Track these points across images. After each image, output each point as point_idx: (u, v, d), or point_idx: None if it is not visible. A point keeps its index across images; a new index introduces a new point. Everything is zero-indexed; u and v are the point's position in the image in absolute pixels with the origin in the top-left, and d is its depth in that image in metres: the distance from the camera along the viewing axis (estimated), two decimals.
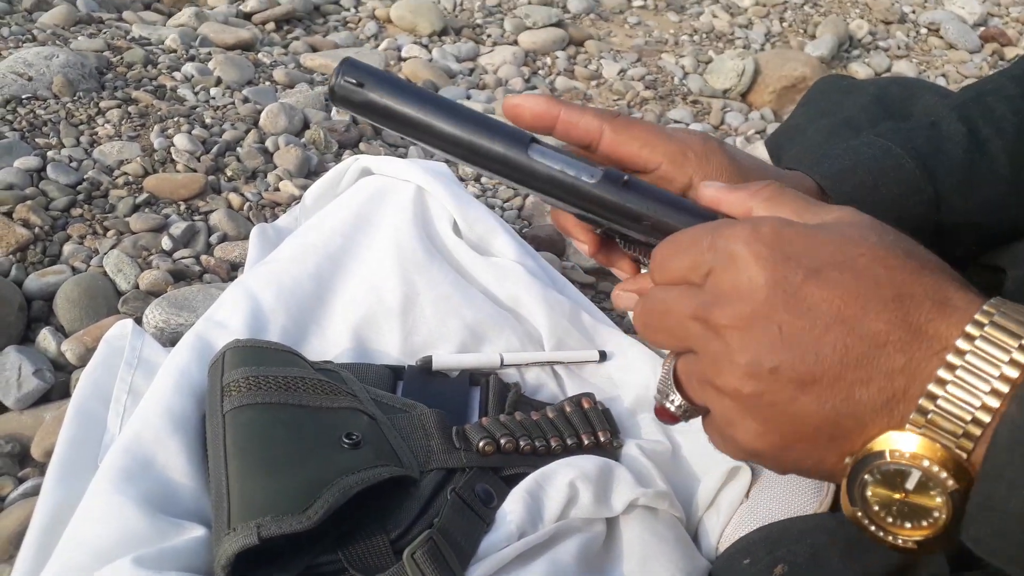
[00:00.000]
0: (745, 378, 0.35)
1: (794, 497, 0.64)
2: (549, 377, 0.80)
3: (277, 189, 1.15)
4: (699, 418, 0.42)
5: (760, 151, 1.69)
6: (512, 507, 0.61)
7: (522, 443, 0.67)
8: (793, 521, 0.61)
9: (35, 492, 0.69)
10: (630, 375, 0.80)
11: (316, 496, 0.56)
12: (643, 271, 0.55)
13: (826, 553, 0.54)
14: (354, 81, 0.44)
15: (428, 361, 0.76)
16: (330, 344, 0.78)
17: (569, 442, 0.69)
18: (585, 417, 0.71)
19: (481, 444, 0.66)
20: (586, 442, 0.69)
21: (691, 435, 0.73)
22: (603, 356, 0.81)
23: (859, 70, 2.20)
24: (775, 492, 0.65)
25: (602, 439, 0.70)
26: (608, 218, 0.44)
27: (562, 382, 0.80)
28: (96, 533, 0.57)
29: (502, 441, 0.67)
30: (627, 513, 0.63)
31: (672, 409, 0.41)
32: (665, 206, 0.43)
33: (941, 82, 2.18)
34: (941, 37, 2.42)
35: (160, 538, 0.57)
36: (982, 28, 2.47)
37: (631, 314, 0.90)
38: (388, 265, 0.82)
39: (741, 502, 0.66)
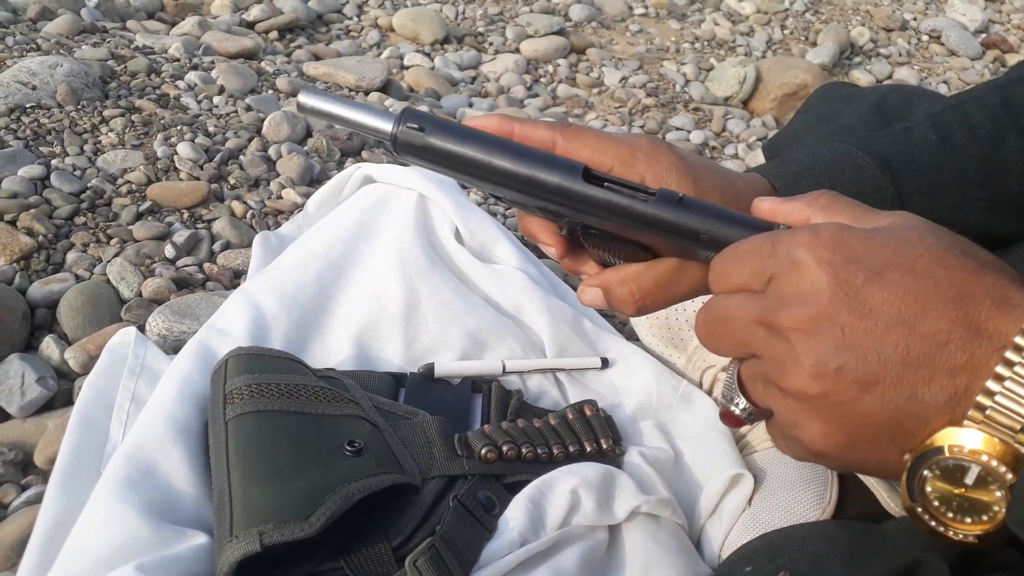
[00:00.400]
0: (811, 379, 0.36)
1: (796, 505, 0.64)
2: (551, 384, 0.80)
3: (280, 197, 1.15)
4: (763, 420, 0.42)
5: (760, 158, 1.70)
6: (514, 514, 0.61)
7: (524, 450, 0.67)
8: (795, 528, 0.61)
9: (38, 500, 0.69)
10: (632, 382, 0.80)
11: (318, 503, 0.56)
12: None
13: (828, 560, 0.54)
14: (415, 126, 0.45)
15: (430, 368, 0.76)
16: (332, 351, 0.78)
17: (571, 449, 0.69)
18: (587, 424, 0.71)
19: (483, 451, 0.66)
20: (588, 449, 0.69)
21: (693, 442, 0.73)
22: (605, 363, 0.81)
23: (861, 77, 2.20)
24: (777, 500, 0.65)
25: (604, 446, 0.70)
26: (663, 236, 0.46)
27: (564, 389, 0.80)
28: (99, 541, 0.57)
29: (504, 448, 0.67)
30: (629, 520, 0.63)
31: (737, 412, 0.42)
32: (722, 219, 0.44)
33: (943, 89, 2.19)
34: (942, 44, 2.43)
35: (163, 545, 0.57)
36: (983, 35, 2.47)
37: (633, 320, 0.90)
38: (390, 272, 0.82)
39: (743, 510, 0.66)
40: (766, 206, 0.44)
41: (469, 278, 0.87)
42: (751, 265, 0.39)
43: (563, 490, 0.62)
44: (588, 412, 0.72)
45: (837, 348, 0.35)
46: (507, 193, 0.47)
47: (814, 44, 2.32)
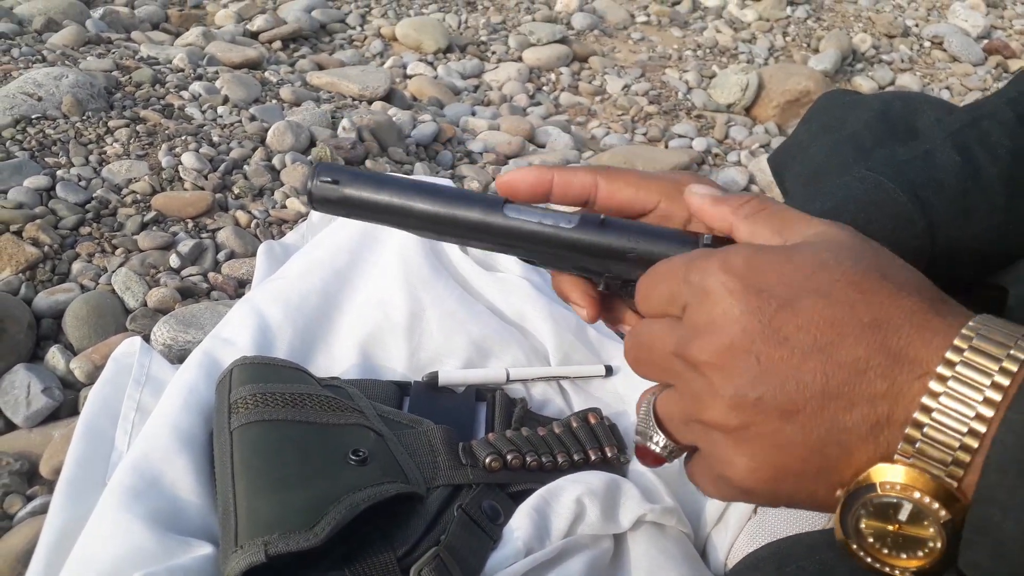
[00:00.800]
0: (730, 410, 0.35)
1: (803, 513, 0.64)
2: (555, 392, 0.80)
3: (284, 206, 1.16)
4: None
5: (764, 166, 1.70)
6: (519, 524, 0.61)
7: (529, 459, 0.67)
8: (802, 537, 0.61)
9: (43, 510, 0.69)
10: (637, 390, 0.79)
11: (323, 513, 0.56)
12: None
13: (837, 569, 0.54)
14: (329, 179, 0.45)
15: (434, 377, 0.76)
16: (337, 360, 0.78)
17: (576, 458, 0.68)
18: (592, 432, 0.71)
19: (488, 460, 0.66)
20: (593, 458, 0.69)
21: None
22: (609, 371, 0.81)
23: (863, 84, 2.20)
24: (783, 509, 0.64)
25: (609, 455, 0.69)
26: (594, 261, 0.45)
27: (568, 397, 0.80)
28: (104, 551, 0.57)
29: (509, 457, 0.67)
30: (634, 529, 0.63)
31: (656, 450, 0.40)
32: (646, 236, 0.44)
33: (945, 95, 2.19)
34: (945, 50, 2.43)
35: (168, 556, 0.57)
36: (986, 41, 2.48)
37: None
38: (394, 281, 0.82)
39: (749, 518, 0.66)
40: (695, 202, 0.43)
41: (473, 286, 0.87)
42: (668, 289, 0.38)
43: (568, 499, 0.62)
44: (592, 420, 0.72)
45: (754, 379, 0.34)
46: (433, 235, 0.47)
47: (816, 51, 2.32)
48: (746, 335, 0.35)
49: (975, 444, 0.31)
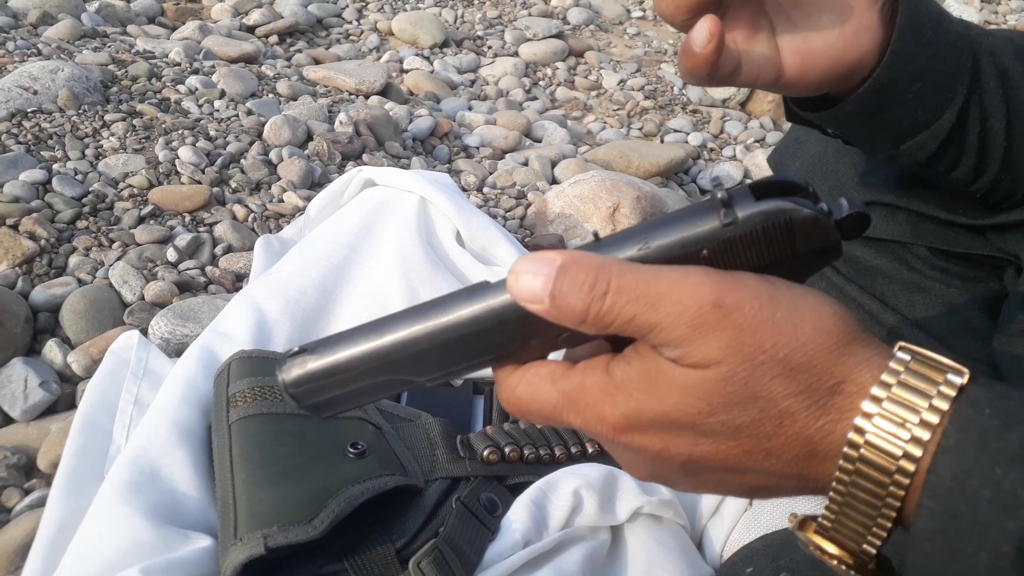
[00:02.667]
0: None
1: (797, 505, 0.64)
2: None
3: (281, 200, 1.16)
4: None
5: (759, 159, 1.70)
6: (517, 516, 0.61)
7: (526, 452, 0.68)
8: None
9: (41, 503, 0.69)
10: None
11: (322, 506, 0.56)
12: None
13: None
14: (296, 350, 0.39)
15: None
16: None
17: (573, 450, 0.69)
18: None
19: (486, 453, 0.66)
20: (590, 450, 0.69)
21: None
22: None
23: None
24: (778, 500, 0.65)
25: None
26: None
27: None
28: (103, 544, 0.57)
29: (506, 450, 0.67)
30: (631, 521, 0.64)
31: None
32: (655, 228, 0.37)
33: None
34: None
35: (167, 549, 0.57)
36: None
37: None
38: (392, 275, 0.82)
39: (745, 510, 0.66)
40: (516, 292, 0.35)
41: (470, 280, 0.87)
42: (544, 418, 0.39)
43: (565, 491, 0.62)
44: None
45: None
46: (445, 368, 0.38)
47: None
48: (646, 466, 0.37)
49: (912, 467, 0.31)
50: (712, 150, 1.79)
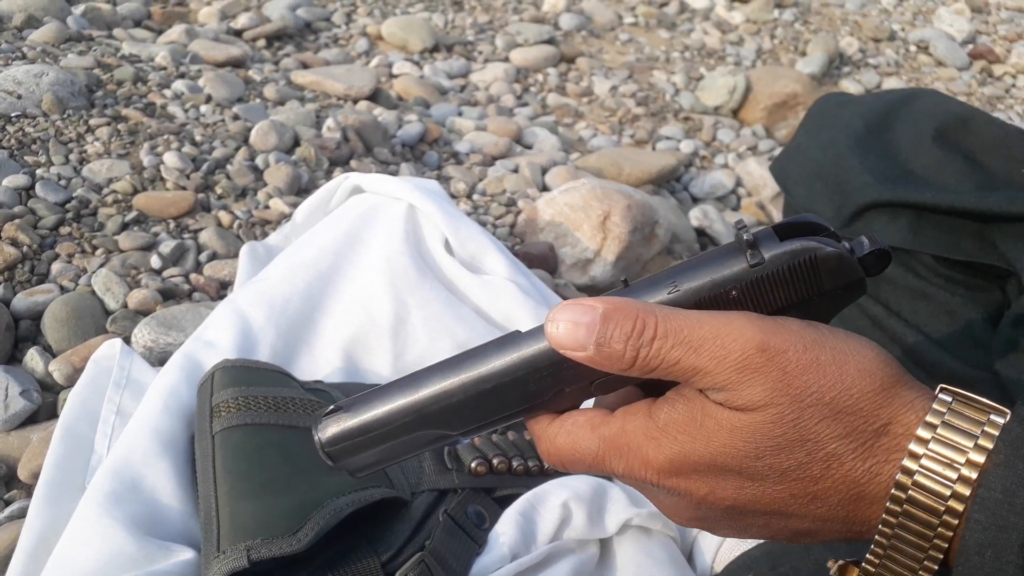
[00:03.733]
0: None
1: None
2: None
3: (267, 207, 1.15)
4: None
5: (752, 167, 1.70)
6: (505, 528, 0.60)
7: (515, 463, 0.67)
8: None
9: (21, 514, 0.68)
10: None
11: (307, 518, 0.55)
12: None
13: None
14: (331, 408, 0.40)
15: None
16: (320, 363, 0.77)
17: (565, 471, 0.68)
18: None
19: (473, 465, 0.66)
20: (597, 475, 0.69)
21: None
22: None
23: (850, 87, 2.22)
24: None
25: None
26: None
27: None
28: (83, 556, 0.56)
29: (495, 461, 0.66)
30: (621, 534, 0.63)
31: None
32: (684, 272, 0.38)
33: None
34: (930, 54, 2.45)
35: (148, 561, 0.56)
36: (971, 45, 2.50)
37: None
38: (379, 284, 0.81)
39: None
40: (556, 340, 0.36)
41: (459, 289, 0.86)
42: (584, 467, 0.39)
43: (554, 503, 0.62)
44: None
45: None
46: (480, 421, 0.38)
47: (803, 54, 2.34)
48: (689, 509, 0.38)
49: (960, 508, 0.31)
50: (704, 158, 1.79)
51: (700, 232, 1.47)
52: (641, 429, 0.35)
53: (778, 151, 0.84)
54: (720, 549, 0.65)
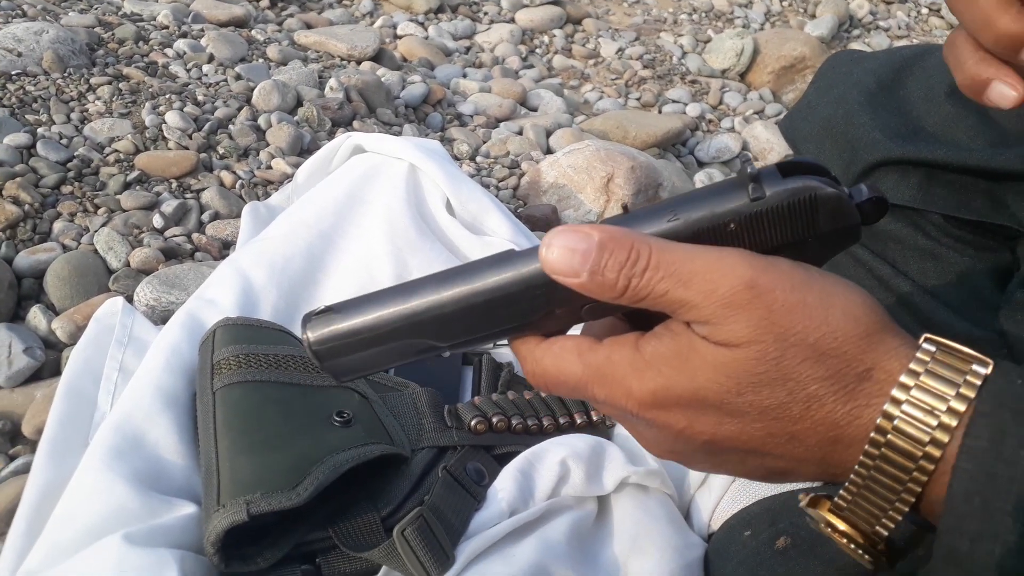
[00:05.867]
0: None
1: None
2: None
3: (269, 167, 1.14)
4: None
5: (758, 131, 1.68)
6: (503, 485, 0.61)
7: (514, 422, 0.67)
8: (794, 494, 0.61)
9: (25, 469, 0.68)
10: None
11: (306, 473, 0.56)
12: None
13: None
14: (323, 307, 0.39)
15: None
16: None
17: (561, 421, 0.69)
18: None
19: (473, 423, 0.66)
20: (578, 421, 0.69)
21: None
22: None
23: (860, 50, 2.18)
24: None
25: (594, 418, 0.69)
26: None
27: None
28: (86, 510, 0.57)
29: (494, 420, 0.66)
30: (618, 491, 0.63)
31: None
32: (685, 202, 0.38)
33: None
34: (942, 17, 2.40)
35: (150, 515, 0.57)
36: None
37: None
38: (380, 243, 0.81)
39: (733, 481, 0.66)
40: (552, 264, 0.35)
41: (460, 249, 0.86)
42: (569, 391, 0.40)
43: (552, 461, 0.62)
44: None
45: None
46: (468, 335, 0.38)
47: (813, 16, 2.29)
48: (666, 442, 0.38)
49: (938, 453, 0.32)
50: (711, 121, 1.77)
51: None
52: (627, 360, 0.36)
53: (785, 115, 0.83)
54: (717, 507, 0.65)
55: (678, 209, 0.36)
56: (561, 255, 0.34)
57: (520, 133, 1.45)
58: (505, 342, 0.39)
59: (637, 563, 0.59)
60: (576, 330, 0.39)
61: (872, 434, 0.32)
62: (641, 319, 0.37)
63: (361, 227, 0.83)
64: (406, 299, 0.38)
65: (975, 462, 0.31)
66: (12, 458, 0.73)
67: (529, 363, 0.38)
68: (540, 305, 0.37)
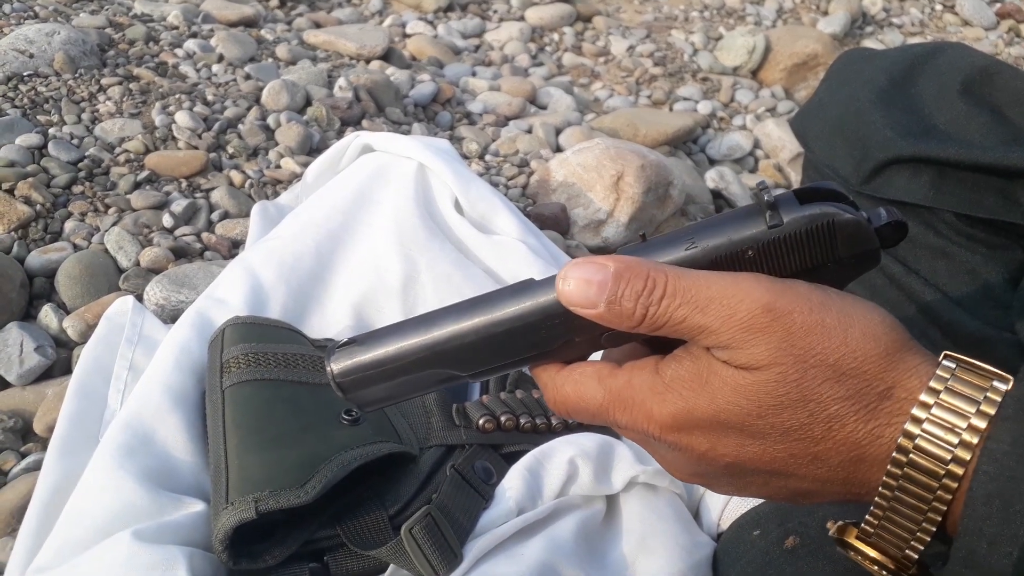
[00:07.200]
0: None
1: None
2: None
3: (278, 166, 1.14)
4: None
5: (770, 129, 1.67)
6: (511, 484, 0.61)
7: (522, 420, 0.67)
8: None
9: (37, 467, 0.69)
10: None
11: (314, 471, 0.56)
12: None
13: None
14: (346, 339, 0.40)
15: None
16: (330, 321, 0.77)
17: (570, 420, 0.68)
18: None
19: (481, 421, 0.66)
20: (598, 424, 0.69)
21: None
22: None
23: (872, 47, 2.16)
24: None
25: None
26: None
27: None
28: (96, 507, 0.57)
29: (502, 418, 0.66)
30: (627, 490, 0.63)
31: None
32: (704, 229, 0.38)
33: None
34: (956, 14, 2.38)
35: (160, 512, 0.57)
36: (998, 4, 2.42)
37: None
38: (389, 243, 0.81)
39: None
40: (567, 297, 0.35)
41: (469, 249, 0.86)
42: (589, 417, 0.40)
43: (561, 460, 0.62)
44: None
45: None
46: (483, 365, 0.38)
47: (825, 13, 2.28)
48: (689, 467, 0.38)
49: (960, 471, 0.32)
50: (722, 119, 1.76)
51: (716, 194, 1.45)
52: (647, 384, 0.36)
53: (796, 112, 0.82)
54: (727, 507, 0.65)
55: (696, 237, 0.36)
56: (578, 287, 0.35)
57: (530, 131, 1.44)
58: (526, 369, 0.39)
59: (645, 562, 0.59)
60: (596, 356, 0.39)
61: (894, 454, 0.32)
62: (661, 343, 0.37)
63: (370, 226, 0.83)
64: (427, 330, 0.38)
65: (996, 465, 0.31)
66: (24, 455, 0.74)
67: (550, 390, 0.39)
68: (559, 334, 0.37)
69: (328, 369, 0.39)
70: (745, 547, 0.59)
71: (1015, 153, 0.63)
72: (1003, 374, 0.33)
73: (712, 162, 1.63)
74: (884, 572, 0.35)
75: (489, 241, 0.86)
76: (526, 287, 0.38)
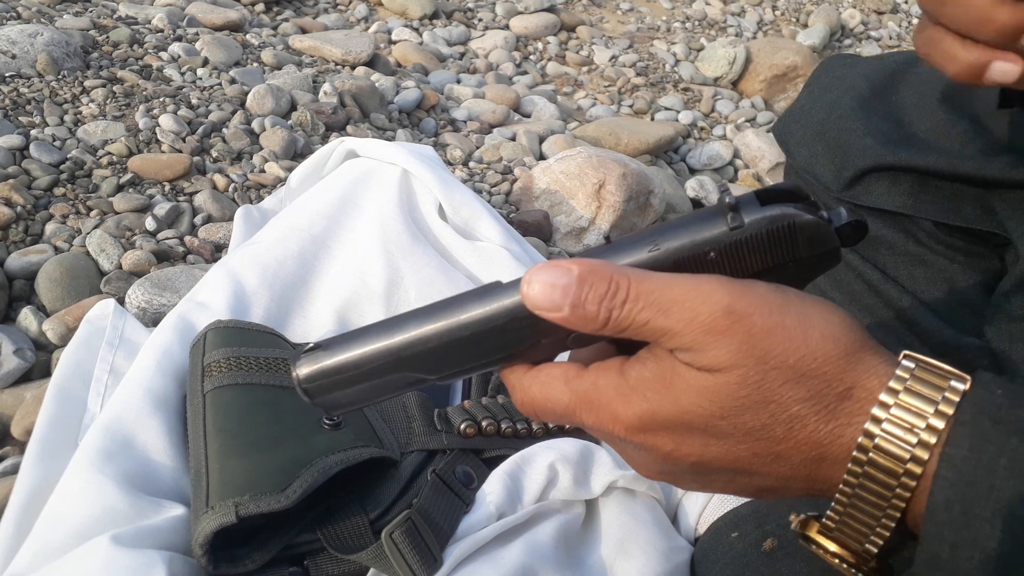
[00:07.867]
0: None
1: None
2: None
3: (263, 171, 1.14)
4: None
5: (749, 139, 1.69)
6: (492, 488, 0.61)
7: (503, 426, 0.67)
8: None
9: (14, 471, 0.68)
10: None
11: (295, 475, 0.56)
12: None
13: None
14: (311, 345, 0.40)
15: None
16: (313, 326, 0.78)
17: (551, 425, 0.69)
18: None
19: (463, 426, 0.66)
20: (567, 425, 0.69)
21: None
22: None
23: (855, 54, 2.20)
24: None
25: None
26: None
27: None
28: (75, 511, 0.57)
29: (484, 423, 0.67)
30: (606, 495, 0.64)
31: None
32: (665, 232, 0.38)
33: None
34: None
35: (139, 516, 0.57)
36: None
37: None
38: (372, 248, 0.81)
39: None
40: (532, 300, 0.35)
41: (452, 254, 0.86)
42: (556, 417, 0.40)
43: (541, 465, 0.62)
44: None
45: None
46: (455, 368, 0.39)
47: (805, 26, 2.31)
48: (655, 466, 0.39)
49: (919, 470, 0.32)
50: (702, 129, 1.78)
51: (696, 203, 1.47)
52: (612, 385, 0.36)
53: (778, 118, 0.83)
54: (704, 511, 0.65)
55: (659, 239, 0.36)
56: (542, 291, 0.35)
57: (513, 139, 1.45)
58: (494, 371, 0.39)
59: (624, 566, 0.59)
60: (564, 356, 0.40)
61: (854, 452, 0.33)
62: (627, 344, 0.38)
63: (354, 231, 0.83)
64: (393, 334, 0.38)
65: (955, 470, 0.31)
66: (1, 459, 0.73)
67: (518, 392, 0.39)
68: (526, 336, 0.37)
69: (294, 375, 0.39)
70: (723, 549, 0.59)
71: (993, 163, 0.64)
72: (961, 374, 0.33)
73: (692, 171, 1.65)
74: (844, 565, 0.36)
75: (472, 247, 0.86)
76: (491, 290, 0.38)
